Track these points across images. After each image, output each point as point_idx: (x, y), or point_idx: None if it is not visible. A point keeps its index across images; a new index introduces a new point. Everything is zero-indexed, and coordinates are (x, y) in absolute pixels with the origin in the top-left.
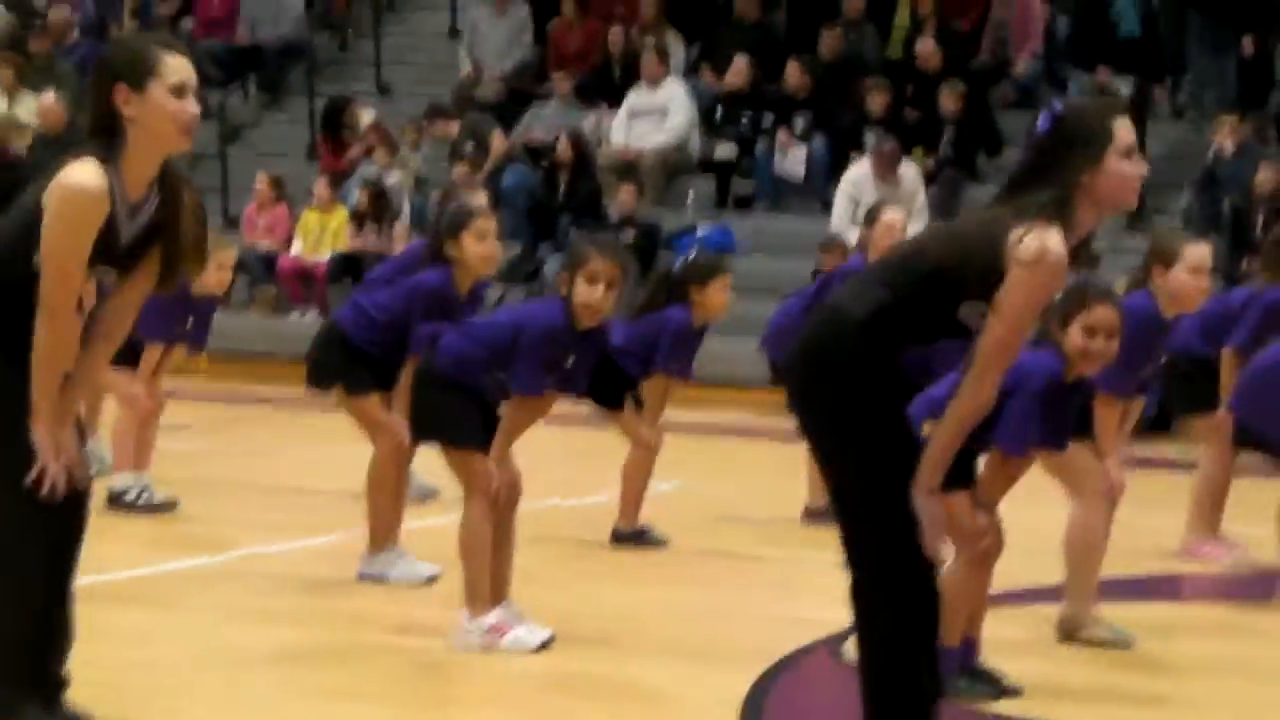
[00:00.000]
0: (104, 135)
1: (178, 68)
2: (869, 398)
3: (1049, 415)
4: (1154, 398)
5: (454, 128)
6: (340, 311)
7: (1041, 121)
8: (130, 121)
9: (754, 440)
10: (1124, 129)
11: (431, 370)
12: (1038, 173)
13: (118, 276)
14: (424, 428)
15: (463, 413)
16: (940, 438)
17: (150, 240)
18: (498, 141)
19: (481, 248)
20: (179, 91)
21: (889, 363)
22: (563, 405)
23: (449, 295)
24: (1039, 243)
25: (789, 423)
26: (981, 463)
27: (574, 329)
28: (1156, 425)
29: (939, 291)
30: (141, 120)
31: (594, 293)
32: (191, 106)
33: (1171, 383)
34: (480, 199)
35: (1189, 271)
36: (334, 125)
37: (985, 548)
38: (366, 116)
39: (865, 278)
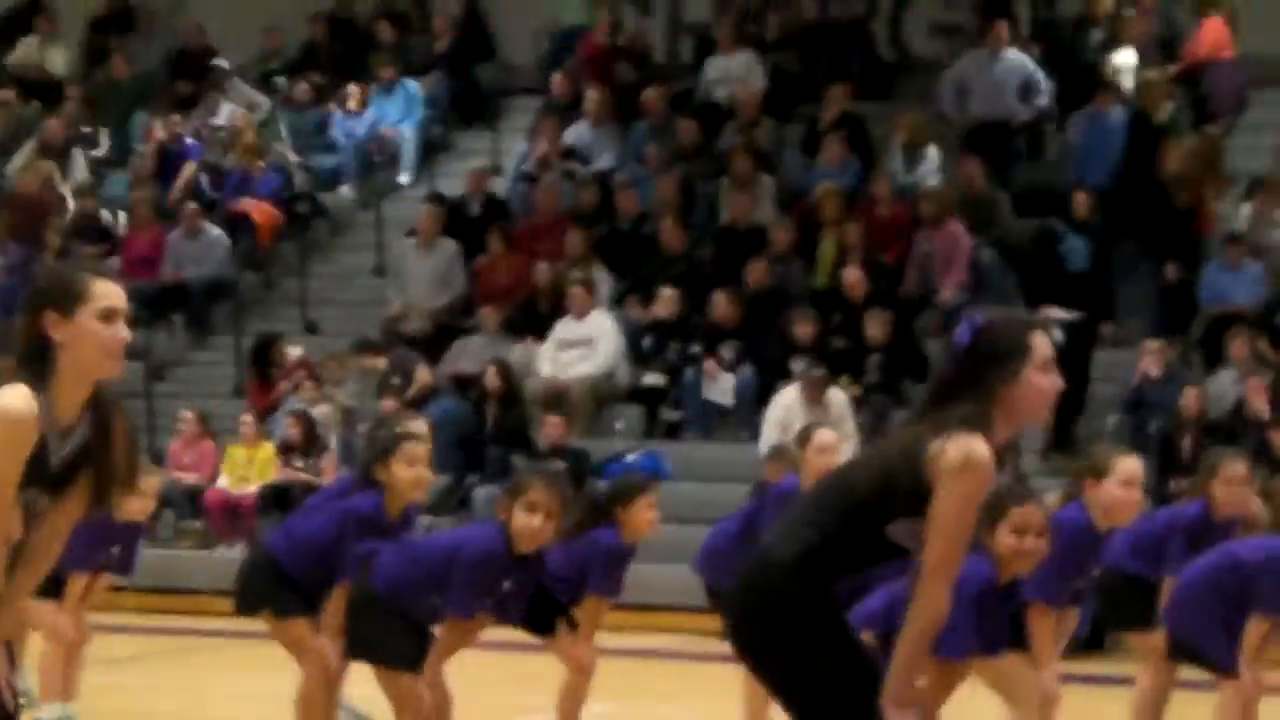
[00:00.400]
0: (33, 361)
1: (107, 293)
2: (807, 637)
3: (985, 620)
4: (1087, 615)
5: (380, 362)
6: (271, 536)
7: (960, 334)
8: (60, 347)
9: (688, 664)
10: (1042, 343)
11: (366, 590)
12: (956, 385)
13: (48, 501)
14: (358, 647)
15: (396, 633)
16: (902, 655)
17: (81, 465)
18: (422, 375)
19: (412, 473)
20: (108, 317)
21: (822, 599)
22: (496, 629)
23: (380, 520)
24: (963, 450)
25: (723, 647)
26: None
27: (511, 555)
28: (1090, 644)
29: (866, 521)
30: (71, 346)
31: (533, 521)
32: (121, 332)
33: (1105, 601)
34: (420, 425)
35: (1120, 484)
36: (262, 362)
37: None
38: (293, 352)
39: (792, 518)
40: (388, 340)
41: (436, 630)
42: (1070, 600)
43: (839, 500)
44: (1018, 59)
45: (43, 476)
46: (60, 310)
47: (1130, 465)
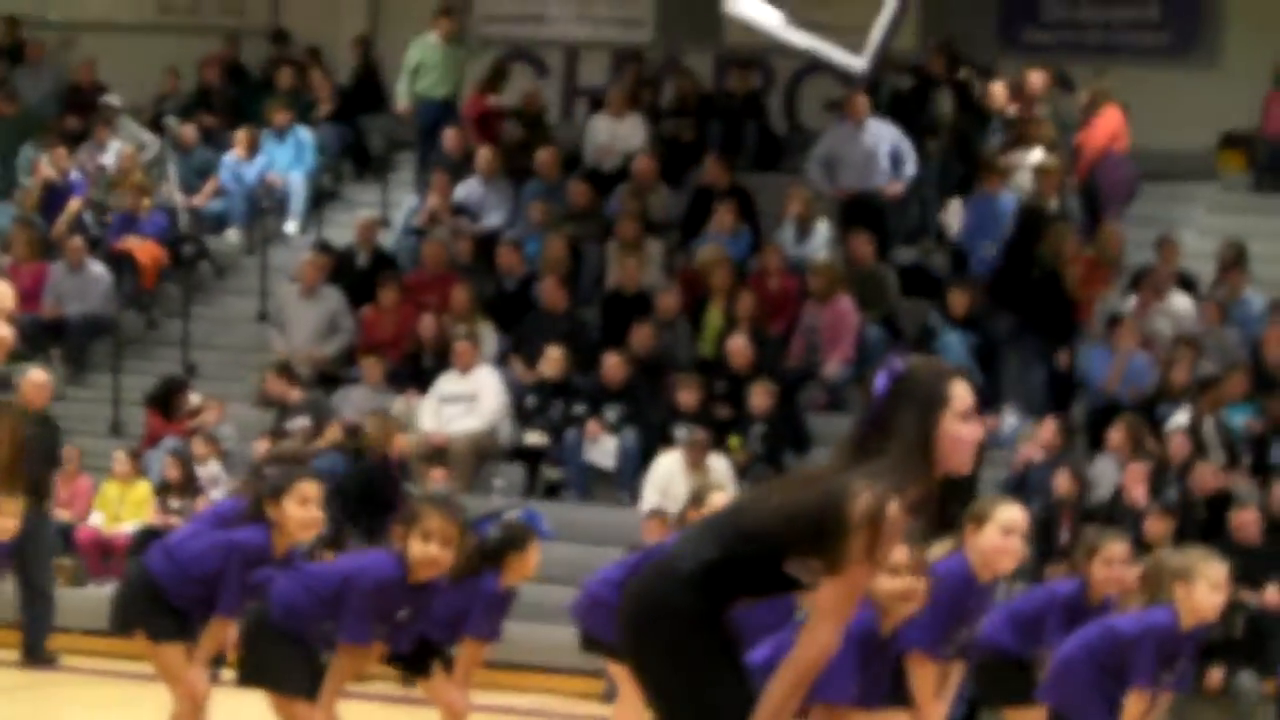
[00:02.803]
0: None
1: None
2: (694, 648)
3: (866, 666)
4: (962, 695)
5: (294, 394)
6: (151, 557)
7: (880, 380)
8: None
9: None
10: (961, 391)
11: (262, 617)
12: (874, 431)
13: None
14: (253, 674)
15: (291, 661)
16: (776, 687)
17: None
18: (333, 430)
19: (303, 512)
20: None
21: (716, 615)
22: (362, 684)
23: (266, 555)
24: (874, 502)
25: (590, 708)
26: None
27: (407, 583)
28: None
29: (769, 548)
30: None
31: (430, 549)
32: (2, 330)
33: (982, 677)
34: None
35: (1000, 532)
36: (164, 406)
37: None
38: (194, 399)
39: (696, 533)
40: (304, 381)
41: (329, 658)
42: (953, 655)
43: (746, 526)
44: (884, 129)
45: None
46: None
47: (1010, 513)
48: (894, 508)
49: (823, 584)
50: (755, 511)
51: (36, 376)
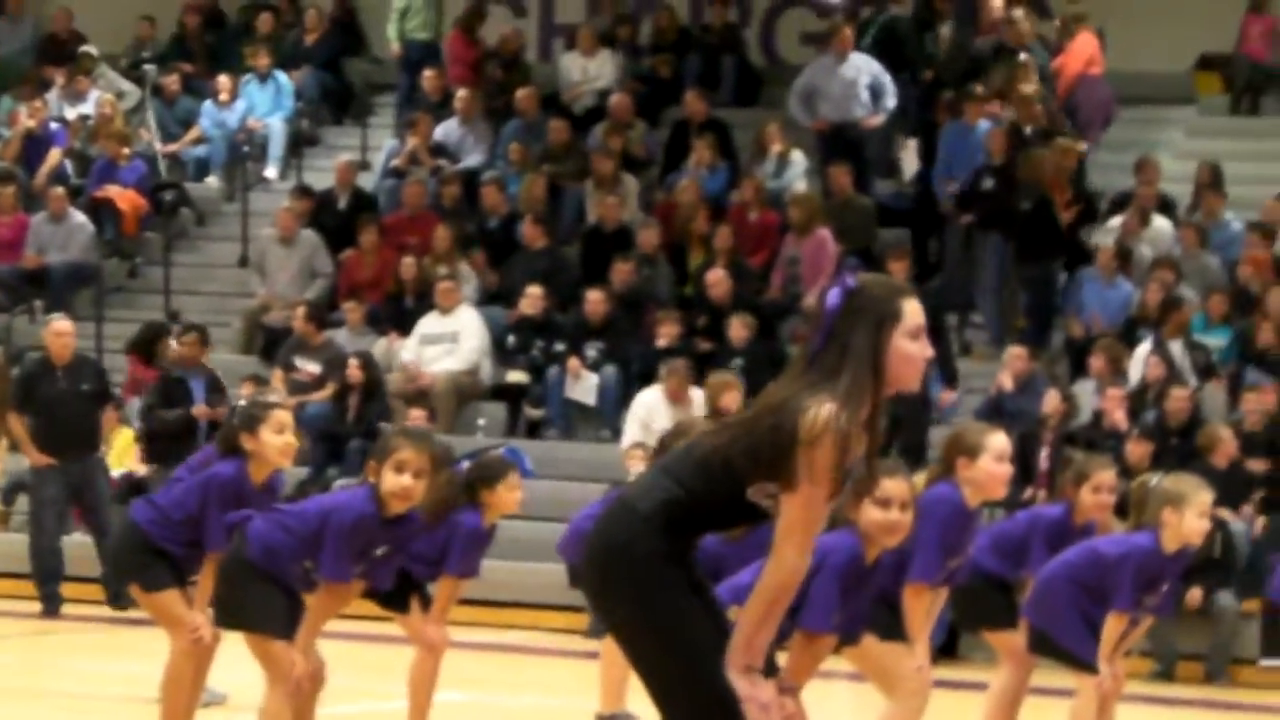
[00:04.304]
0: None
1: None
2: (660, 587)
3: (849, 596)
4: (943, 621)
5: (319, 338)
6: (136, 509)
7: (832, 295)
8: None
9: (545, 657)
10: (912, 310)
11: (239, 558)
12: (826, 346)
13: None
14: (230, 614)
15: (269, 601)
16: (749, 613)
17: None
18: (330, 388)
19: (280, 439)
20: None
21: (679, 553)
22: (340, 622)
23: (244, 487)
24: (823, 416)
25: (577, 644)
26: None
27: (382, 517)
28: (944, 650)
29: (728, 480)
30: None
31: (402, 480)
32: None
33: (963, 600)
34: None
35: (994, 459)
36: (146, 351)
37: None
38: (175, 345)
39: (654, 471)
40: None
41: (309, 597)
42: (943, 582)
43: (704, 458)
44: (864, 62)
45: None
46: None
47: (1001, 440)
48: (836, 421)
49: (784, 507)
50: (709, 444)
51: (57, 326)
